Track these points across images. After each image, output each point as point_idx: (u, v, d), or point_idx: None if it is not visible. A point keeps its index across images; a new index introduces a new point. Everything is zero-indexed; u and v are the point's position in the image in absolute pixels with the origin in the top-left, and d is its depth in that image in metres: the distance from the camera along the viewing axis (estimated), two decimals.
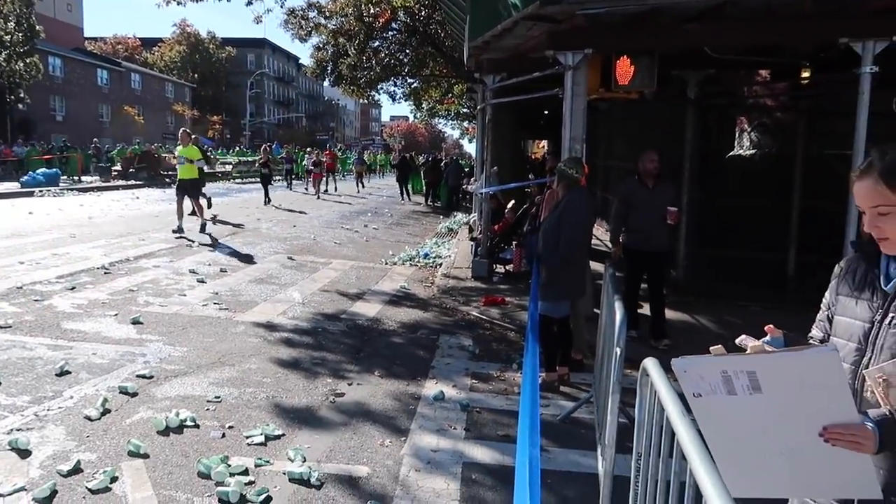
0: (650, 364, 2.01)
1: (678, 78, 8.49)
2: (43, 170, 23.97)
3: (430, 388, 4.98)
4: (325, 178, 26.61)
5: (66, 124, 45.85)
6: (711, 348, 1.42)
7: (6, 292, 7.13)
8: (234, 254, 10.57)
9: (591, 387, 4.77)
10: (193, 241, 11.39)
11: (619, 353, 2.89)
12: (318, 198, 23.37)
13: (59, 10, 54.24)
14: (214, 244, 11.43)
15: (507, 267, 9.68)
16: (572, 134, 6.79)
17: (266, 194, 19.75)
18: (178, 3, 13.81)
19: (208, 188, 17.50)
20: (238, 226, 14.12)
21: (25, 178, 22.66)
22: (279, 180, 28.36)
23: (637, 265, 6.14)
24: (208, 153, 23.95)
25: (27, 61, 32.23)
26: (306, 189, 25.90)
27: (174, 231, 12.05)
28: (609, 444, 3.02)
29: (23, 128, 37.36)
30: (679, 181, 8.25)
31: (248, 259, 10.19)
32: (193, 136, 13.26)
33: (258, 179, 21.96)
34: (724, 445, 1.46)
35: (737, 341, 1.50)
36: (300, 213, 17.84)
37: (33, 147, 30.60)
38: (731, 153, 9.16)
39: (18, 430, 3.83)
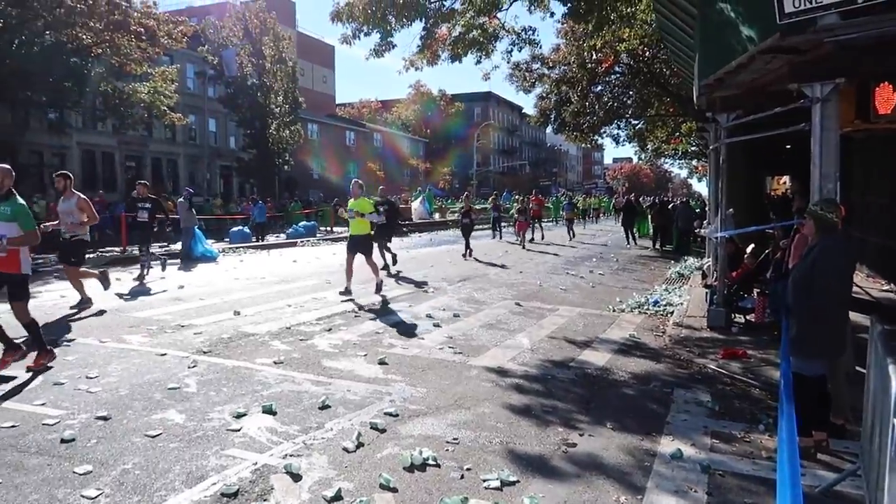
0: None
1: None
2: (303, 223, 27.52)
3: (667, 445, 4.76)
4: (532, 227, 25.35)
5: (321, 181, 52.12)
6: None
7: (278, 332, 8.26)
8: (467, 299, 11.11)
9: (856, 457, 4.20)
10: (361, 308, 10.06)
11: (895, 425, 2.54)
12: (524, 248, 22.09)
13: (317, 82, 62.44)
14: (383, 308, 10.21)
15: (748, 317, 8.95)
16: (823, 172, 6.17)
17: (466, 246, 18.55)
18: (416, 69, 15.13)
19: (412, 241, 18.80)
20: (419, 284, 12.99)
21: (290, 230, 26.14)
22: (486, 228, 27.85)
23: None
24: (436, 200, 25.15)
25: (292, 129, 37.40)
26: (517, 238, 23.91)
27: (341, 293, 11.05)
28: None
29: (288, 186, 43.21)
30: None
31: (479, 304, 10.65)
32: (364, 188, 12.24)
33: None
34: None
35: None
36: (501, 266, 16.49)
37: (296, 203, 35.29)
38: None
39: (291, 455, 4.38)
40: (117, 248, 19.34)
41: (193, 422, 4.98)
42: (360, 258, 11.63)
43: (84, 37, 22.48)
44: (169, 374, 6.23)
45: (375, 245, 13.92)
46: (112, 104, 24.76)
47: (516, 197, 30.73)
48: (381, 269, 13.71)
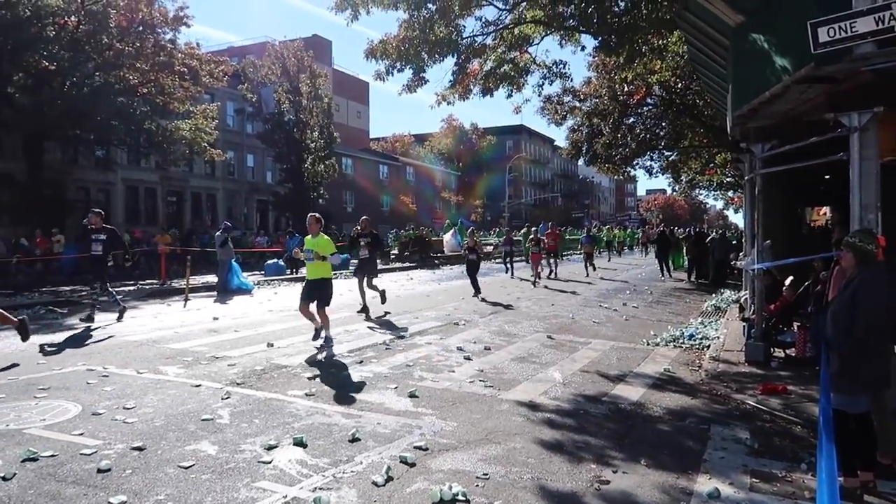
0: None
1: None
2: (336, 255, 27.79)
3: (704, 483, 4.62)
4: (549, 261, 23.57)
5: (355, 214, 52.74)
6: None
7: (310, 364, 8.31)
8: (498, 332, 11.05)
9: None
10: (392, 340, 9.91)
11: None
12: (535, 285, 19.90)
13: (351, 117, 63.68)
14: (413, 341, 9.93)
15: (788, 351, 8.70)
16: (863, 202, 6.02)
17: (474, 285, 16.60)
18: (448, 103, 15.34)
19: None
20: (449, 316, 13.03)
21: None
22: (498, 260, 26.98)
23: None
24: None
25: (326, 163, 38.08)
26: (532, 274, 21.38)
27: (313, 339, 9.63)
28: None
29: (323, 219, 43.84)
30: None
31: (510, 337, 10.58)
32: (322, 222, 11.20)
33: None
34: None
35: None
36: (505, 307, 14.64)
37: (331, 236, 35.74)
38: None
39: (321, 488, 4.37)
40: (156, 281, 19.79)
41: (225, 453, 5.01)
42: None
43: (131, 77, 23.42)
44: (203, 406, 6.29)
45: (356, 282, 13.93)
46: (155, 141, 25.60)
47: (531, 228, 27.25)
48: (360, 311, 12.85)
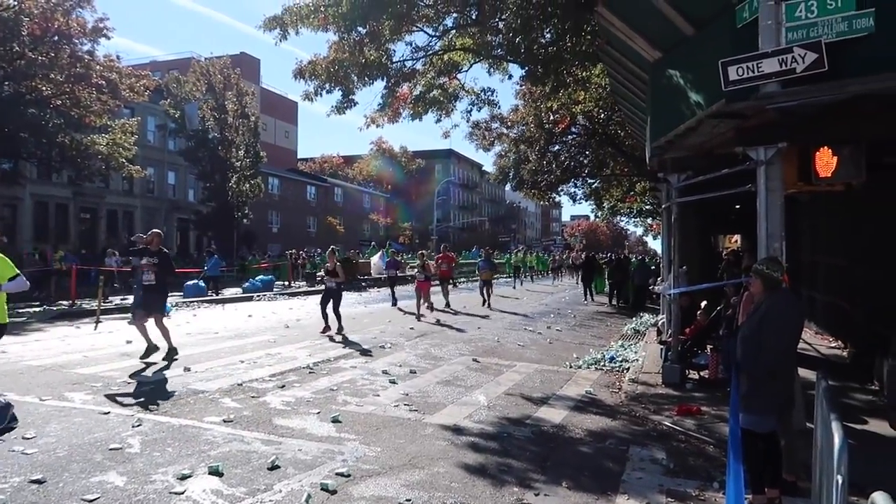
0: (880, 499, 1.77)
1: (893, 166, 7.73)
2: (261, 276, 27.14)
3: (622, 503, 4.71)
4: (443, 290, 20.01)
5: (280, 235, 51.80)
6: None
7: (229, 389, 8.02)
8: (424, 355, 11.00)
9: None
10: (316, 364, 9.93)
11: (840, 481, 2.56)
12: (419, 318, 16.50)
13: (279, 137, 62.90)
14: (338, 365, 9.63)
15: (702, 373, 9.05)
16: (769, 231, 6.39)
17: (324, 316, 13.34)
18: (378, 126, 15.37)
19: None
20: (375, 340, 12.53)
21: (247, 284, 25.70)
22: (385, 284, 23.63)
23: None
24: (396, 256, 23.81)
25: (252, 182, 37.29)
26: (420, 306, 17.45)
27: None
28: None
29: (246, 240, 42.75)
30: None
31: (436, 360, 10.55)
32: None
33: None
34: None
35: None
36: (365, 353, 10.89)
37: (253, 257, 34.91)
38: None
39: None
40: (65, 302, 18.76)
41: (134, 484, 4.74)
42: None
43: (44, 88, 22.27)
44: (111, 434, 5.96)
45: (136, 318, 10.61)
46: (69, 155, 24.32)
47: (421, 252, 22.64)
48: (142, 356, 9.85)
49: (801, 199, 11.23)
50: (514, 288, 31.02)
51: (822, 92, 5.77)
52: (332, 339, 12.55)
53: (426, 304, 17.60)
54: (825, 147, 6.53)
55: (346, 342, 12.20)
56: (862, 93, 5.73)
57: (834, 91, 5.74)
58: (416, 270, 19.26)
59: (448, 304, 19.39)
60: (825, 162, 6.60)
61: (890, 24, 5.43)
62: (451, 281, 22.07)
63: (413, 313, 17.20)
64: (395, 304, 19.96)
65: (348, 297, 23.12)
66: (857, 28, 5.57)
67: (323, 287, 14.68)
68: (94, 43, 23.80)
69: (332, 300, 13.43)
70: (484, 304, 20.19)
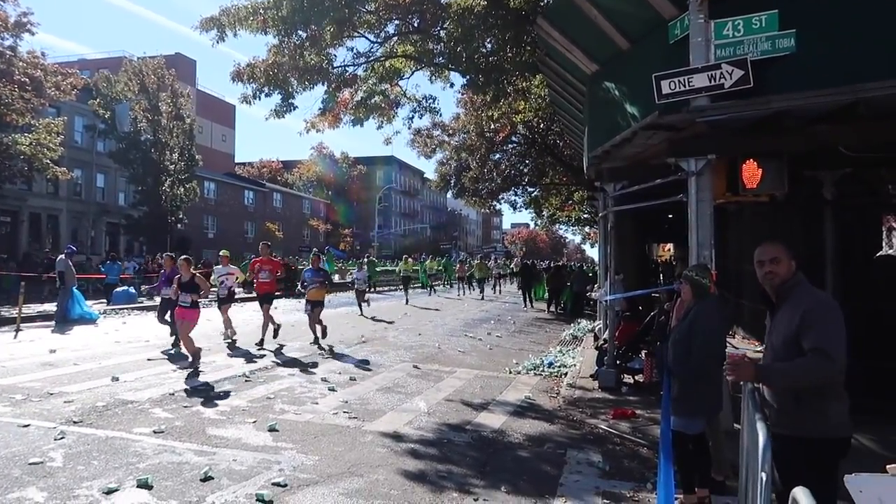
0: (801, 494, 1.86)
1: (812, 178, 8.15)
2: None
3: None
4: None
5: (216, 240, 50.44)
6: (888, 466, 1.31)
7: (160, 399, 7.75)
8: (364, 362, 10.90)
9: None
10: (253, 372, 9.93)
11: (764, 478, 2.67)
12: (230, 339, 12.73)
13: (216, 140, 61.38)
14: (276, 372, 9.47)
15: (637, 377, 9.29)
16: (699, 240, 6.63)
17: (173, 331, 11.37)
18: (318, 131, 15.19)
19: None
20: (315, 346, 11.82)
21: None
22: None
23: None
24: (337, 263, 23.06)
25: (187, 186, 36.20)
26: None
27: None
28: None
29: (180, 245, 41.47)
30: (821, 286, 7.73)
31: (376, 367, 10.48)
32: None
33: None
34: None
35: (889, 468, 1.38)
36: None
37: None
38: (881, 253, 8.53)
39: None
40: None
41: (56, 500, 4.52)
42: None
43: None
44: (31, 448, 5.66)
45: None
46: None
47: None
48: None
49: (729, 209, 11.70)
50: (408, 301, 24.38)
51: (748, 107, 6.04)
52: (267, 348, 12.27)
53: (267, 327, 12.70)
54: (751, 160, 6.81)
55: (288, 349, 11.97)
56: (784, 109, 6.03)
57: (759, 107, 6.02)
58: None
59: (320, 337, 12.67)
60: (751, 174, 6.89)
61: (810, 44, 5.74)
62: (272, 299, 13.34)
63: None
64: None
65: (286, 304, 22.72)
66: (780, 47, 5.87)
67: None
68: (16, 38, 22.78)
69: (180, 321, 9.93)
70: (315, 343, 12.58)
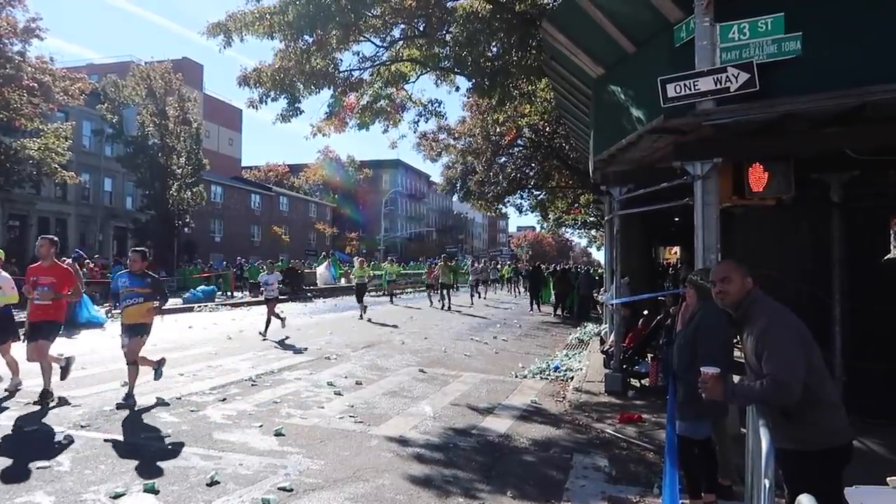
0: (806, 503, 1.85)
1: (819, 181, 8.11)
2: (202, 287, 26.45)
3: None
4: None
5: (223, 244, 50.64)
6: (889, 479, 1.30)
7: (167, 402, 7.77)
8: (370, 366, 10.91)
9: None
10: (259, 376, 9.91)
11: (767, 485, 2.66)
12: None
13: (222, 144, 61.62)
14: (282, 377, 9.47)
15: (643, 381, 9.26)
16: (705, 244, 6.61)
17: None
18: (324, 135, 15.23)
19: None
20: (321, 350, 13.35)
21: (187, 294, 25.00)
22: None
23: None
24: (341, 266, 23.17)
25: (194, 190, 36.36)
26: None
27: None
28: None
29: (187, 249, 41.65)
30: (829, 289, 7.71)
31: (382, 371, 10.48)
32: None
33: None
34: None
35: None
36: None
37: (195, 266, 34.02)
38: (889, 256, 8.48)
39: None
40: None
41: None
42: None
43: None
44: (39, 452, 5.69)
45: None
46: None
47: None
48: None
49: (736, 212, 11.65)
50: (362, 318, 19.30)
51: (753, 110, 6.03)
52: (281, 344, 12.30)
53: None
54: (758, 163, 6.80)
55: (290, 354, 11.98)
56: (790, 112, 6.00)
57: (765, 110, 6.00)
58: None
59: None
60: (757, 177, 6.87)
61: (816, 47, 5.73)
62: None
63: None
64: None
65: (293, 308, 22.76)
66: (786, 50, 5.86)
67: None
68: (25, 43, 22.98)
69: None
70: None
